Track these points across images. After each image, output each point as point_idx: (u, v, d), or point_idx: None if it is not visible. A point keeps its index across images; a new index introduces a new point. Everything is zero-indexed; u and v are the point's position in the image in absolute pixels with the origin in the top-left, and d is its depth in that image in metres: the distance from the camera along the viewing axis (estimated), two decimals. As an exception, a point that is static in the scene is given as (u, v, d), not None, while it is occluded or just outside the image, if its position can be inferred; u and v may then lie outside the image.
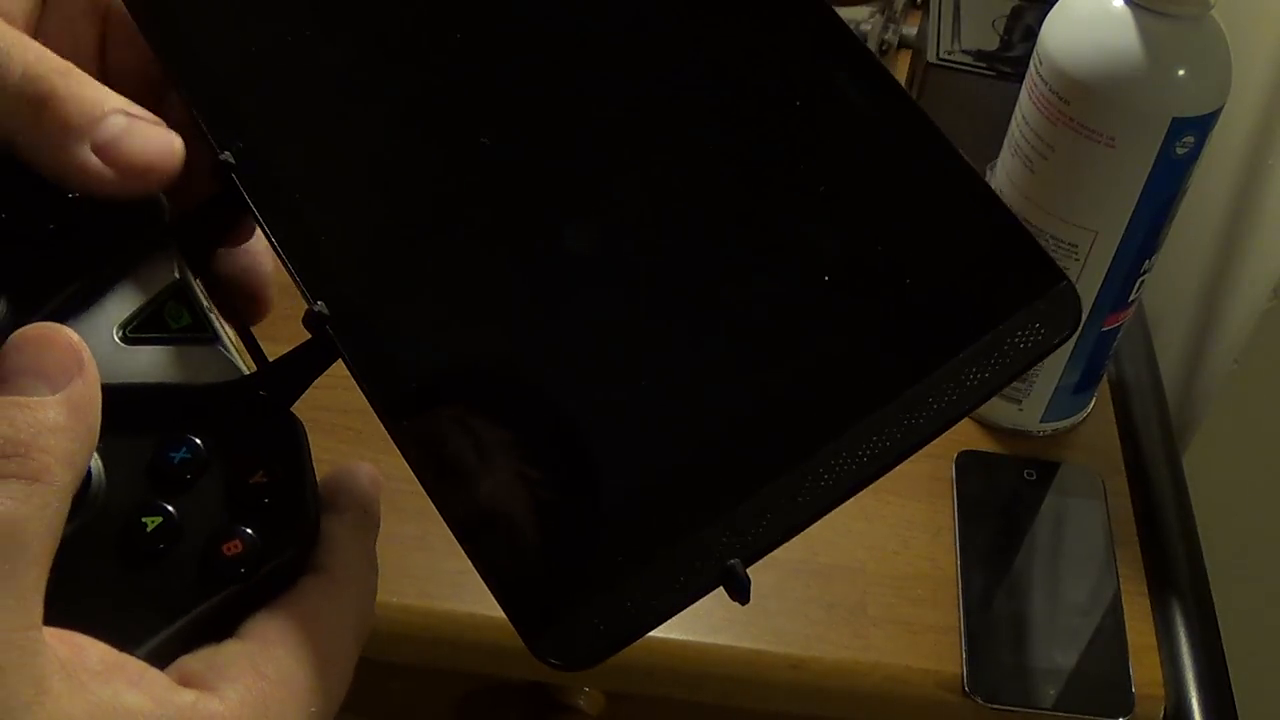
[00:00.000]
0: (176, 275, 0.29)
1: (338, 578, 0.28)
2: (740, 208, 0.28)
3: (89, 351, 0.25)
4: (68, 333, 0.25)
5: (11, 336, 0.25)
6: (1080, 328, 0.25)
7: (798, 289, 0.27)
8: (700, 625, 0.55)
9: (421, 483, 0.27)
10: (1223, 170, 0.67)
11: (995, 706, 0.54)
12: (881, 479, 0.26)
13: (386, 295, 0.29)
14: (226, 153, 0.30)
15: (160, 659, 0.26)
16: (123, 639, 0.25)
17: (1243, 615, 0.63)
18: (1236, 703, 0.55)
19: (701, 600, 0.26)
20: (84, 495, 0.26)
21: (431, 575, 0.56)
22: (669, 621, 0.26)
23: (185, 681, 0.25)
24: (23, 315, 0.28)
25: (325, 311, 0.28)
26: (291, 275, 0.29)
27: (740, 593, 0.25)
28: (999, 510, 0.62)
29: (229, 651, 0.26)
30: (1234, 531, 0.67)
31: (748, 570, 0.25)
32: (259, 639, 0.26)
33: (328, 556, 0.28)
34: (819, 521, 0.26)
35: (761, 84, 0.29)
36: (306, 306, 0.29)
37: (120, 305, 0.29)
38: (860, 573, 0.58)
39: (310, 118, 0.31)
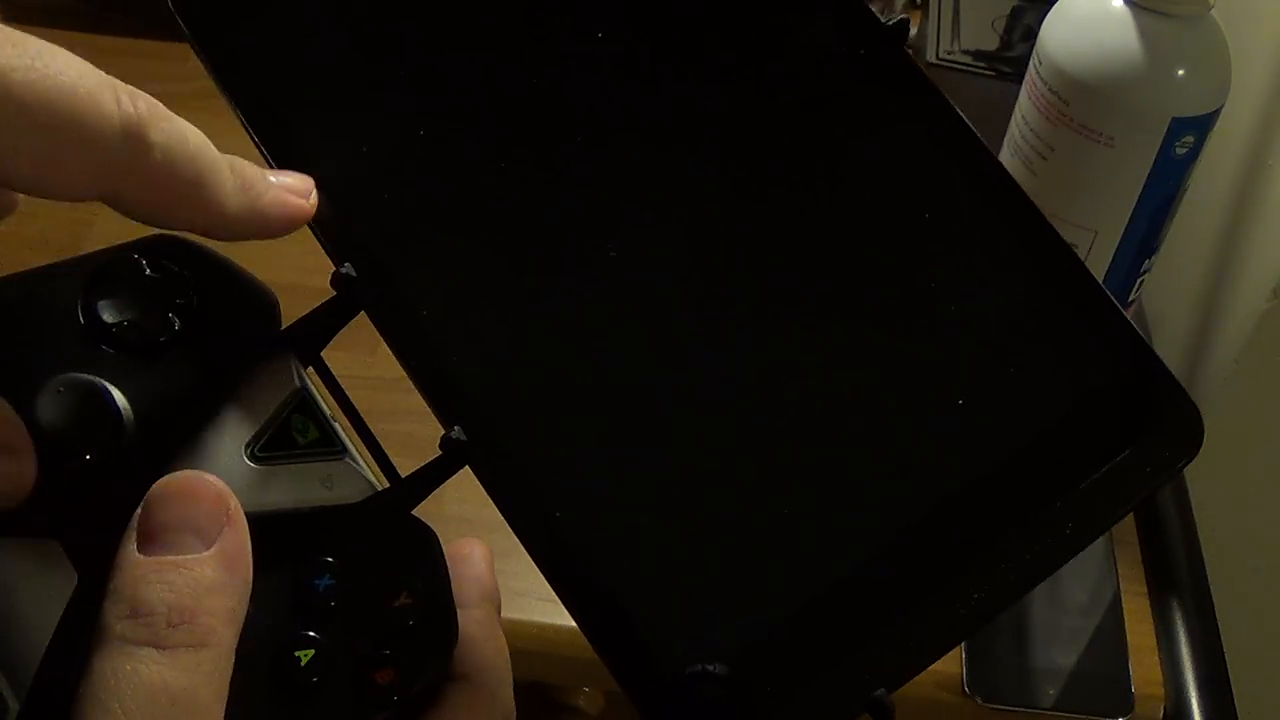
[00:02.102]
0: (297, 383, 0.29)
1: (477, 681, 0.29)
2: (876, 329, 0.28)
3: (235, 499, 0.25)
4: (211, 480, 0.25)
5: (153, 489, 0.25)
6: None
7: (932, 414, 0.27)
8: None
9: (562, 601, 0.27)
10: (1223, 170, 0.67)
11: (995, 706, 0.54)
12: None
13: (521, 418, 0.29)
14: (347, 265, 0.29)
15: None
16: None
17: (1243, 615, 0.63)
18: (1236, 703, 0.55)
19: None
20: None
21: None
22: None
23: None
24: (151, 436, 0.27)
25: (464, 438, 0.28)
26: (425, 397, 0.29)
27: (886, 718, 0.25)
28: (999, 510, 0.61)
29: None
30: (1234, 531, 0.67)
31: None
32: None
33: (465, 658, 0.29)
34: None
35: (883, 194, 0.29)
36: (444, 432, 0.28)
37: (246, 421, 0.28)
38: (860, 573, 0.58)
39: (431, 230, 0.31)
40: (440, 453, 0.29)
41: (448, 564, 0.29)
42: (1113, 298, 0.27)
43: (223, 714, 0.24)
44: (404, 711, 0.27)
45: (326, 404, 0.30)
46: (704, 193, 0.30)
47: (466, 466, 0.29)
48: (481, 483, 0.28)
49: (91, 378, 0.27)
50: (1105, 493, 0.26)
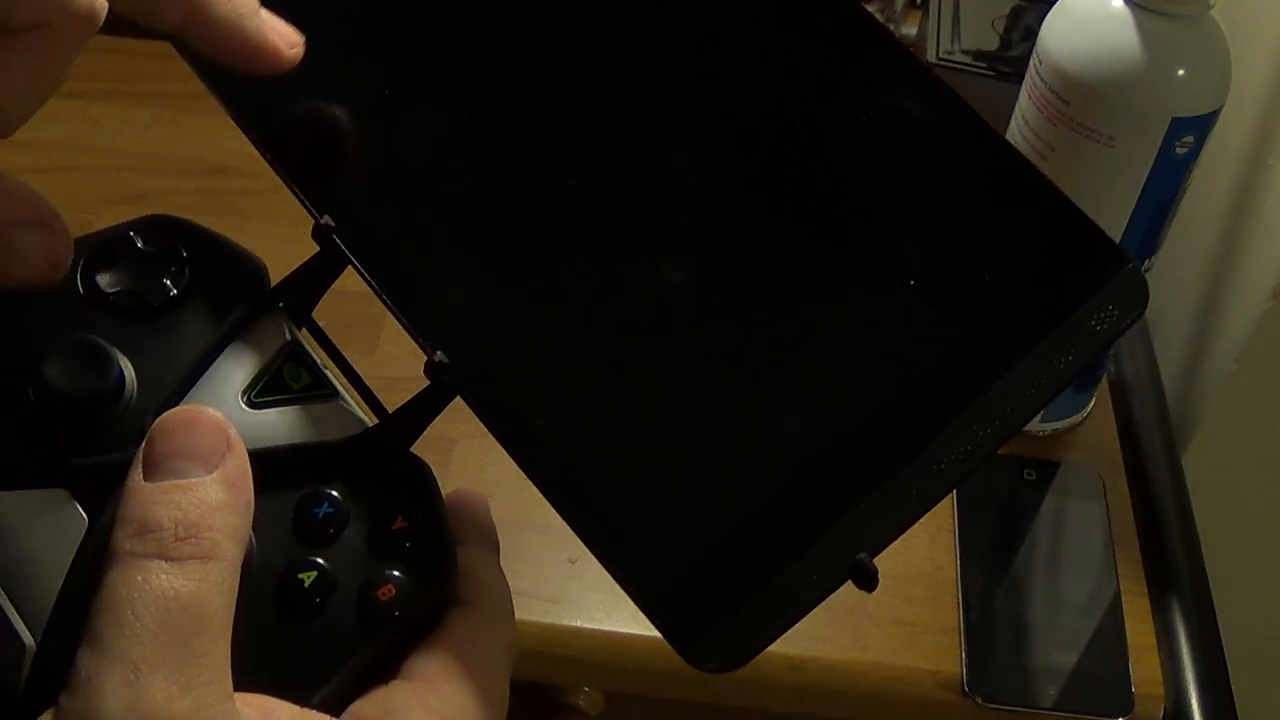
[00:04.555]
0: (288, 336, 0.31)
1: (480, 607, 0.29)
2: (829, 224, 0.30)
3: (234, 428, 0.26)
4: (211, 412, 0.26)
5: (156, 423, 0.26)
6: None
7: (892, 298, 0.29)
8: (700, 625, 0.55)
9: (559, 512, 0.29)
10: (1223, 170, 0.67)
11: (995, 706, 0.54)
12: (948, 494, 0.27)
13: (500, 340, 0.31)
14: (326, 216, 0.31)
15: (333, 707, 0.27)
16: (297, 691, 0.26)
17: (1243, 615, 0.63)
18: (1236, 703, 0.55)
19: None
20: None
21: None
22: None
23: None
24: (149, 390, 0.29)
25: (445, 361, 0.30)
26: (406, 329, 0.30)
27: (869, 583, 0.26)
28: (999, 510, 0.62)
29: (400, 693, 0.27)
30: (1234, 531, 0.67)
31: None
32: (425, 678, 0.27)
33: (467, 588, 0.29)
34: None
35: (819, 103, 0.30)
36: (426, 358, 0.30)
37: (241, 371, 0.30)
38: (860, 573, 0.58)
39: (402, 175, 0.32)
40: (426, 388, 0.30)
41: (453, 507, 0.30)
42: (1040, 171, 0.28)
43: (230, 625, 0.25)
44: (408, 633, 0.28)
45: (318, 355, 0.31)
46: (650, 106, 0.31)
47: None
48: (467, 403, 0.30)
49: (94, 338, 0.29)
50: (1061, 353, 0.27)
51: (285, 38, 0.30)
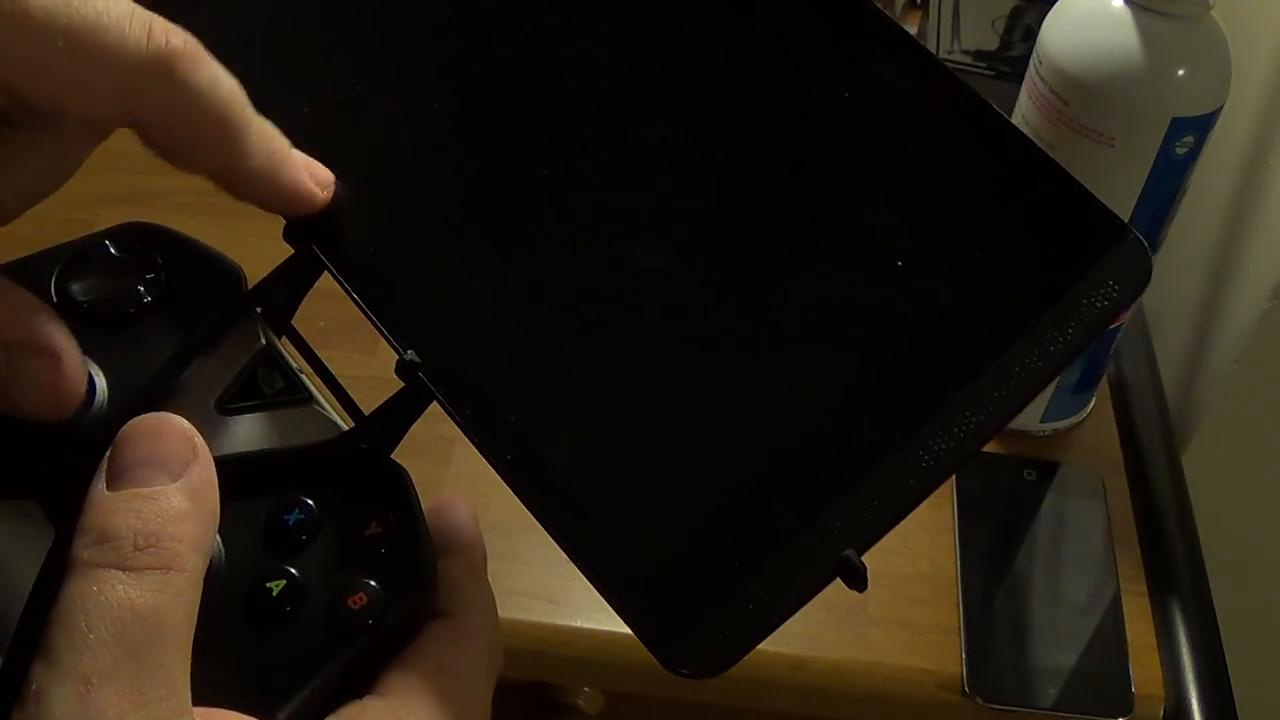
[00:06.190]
0: (263, 341, 0.30)
1: (462, 620, 0.28)
2: (811, 204, 0.29)
3: (200, 437, 0.26)
4: (177, 420, 0.26)
5: (122, 430, 0.25)
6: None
7: (876, 279, 0.28)
8: (700, 625, 0.55)
9: (532, 511, 0.28)
10: (1223, 170, 0.67)
11: (995, 706, 0.54)
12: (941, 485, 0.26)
13: (472, 337, 0.30)
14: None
15: None
16: (264, 706, 0.25)
17: (1243, 615, 0.63)
18: (1236, 703, 0.55)
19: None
20: (209, 570, 0.26)
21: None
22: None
23: None
24: (122, 398, 0.29)
25: (417, 359, 0.29)
26: (378, 328, 0.30)
27: (858, 581, 0.25)
28: (999, 510, 0.62)
29: (373, 709, 0.26)
30: (1234, 531, 0.67)
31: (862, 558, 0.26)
32: (400, 692, 0.26)
33: (448, 600, 0.29)
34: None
35: (800, 79, 0.29)
36: (397, 357, 0.29)
37: (214, 378, 0.30)
38: (860, 573, 0.58)
39: (374, 171, 0.32)
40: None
41: (433, 515, 0.30)
42: (1038, 144, 0.27)
43: (191, 637, 0.24)
44: (383, 643, 0.27)
45: (295, 360, 0.31)
46: (623, 90, 0.31)
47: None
48: (440, 403, 0.29)
49: None
50: (1060, 330, 0.25)
51: (318, 179, 0.30)
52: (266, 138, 0.29)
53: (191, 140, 0.28)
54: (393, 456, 0.29)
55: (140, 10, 0.26)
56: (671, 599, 0.26)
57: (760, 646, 0.26)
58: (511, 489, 0.28)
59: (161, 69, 0.26)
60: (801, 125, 0.29)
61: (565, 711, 0.64)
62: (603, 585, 0.27)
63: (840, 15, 0.29)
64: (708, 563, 0.26)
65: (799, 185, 0.29)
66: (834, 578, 0.25)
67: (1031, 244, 0.27)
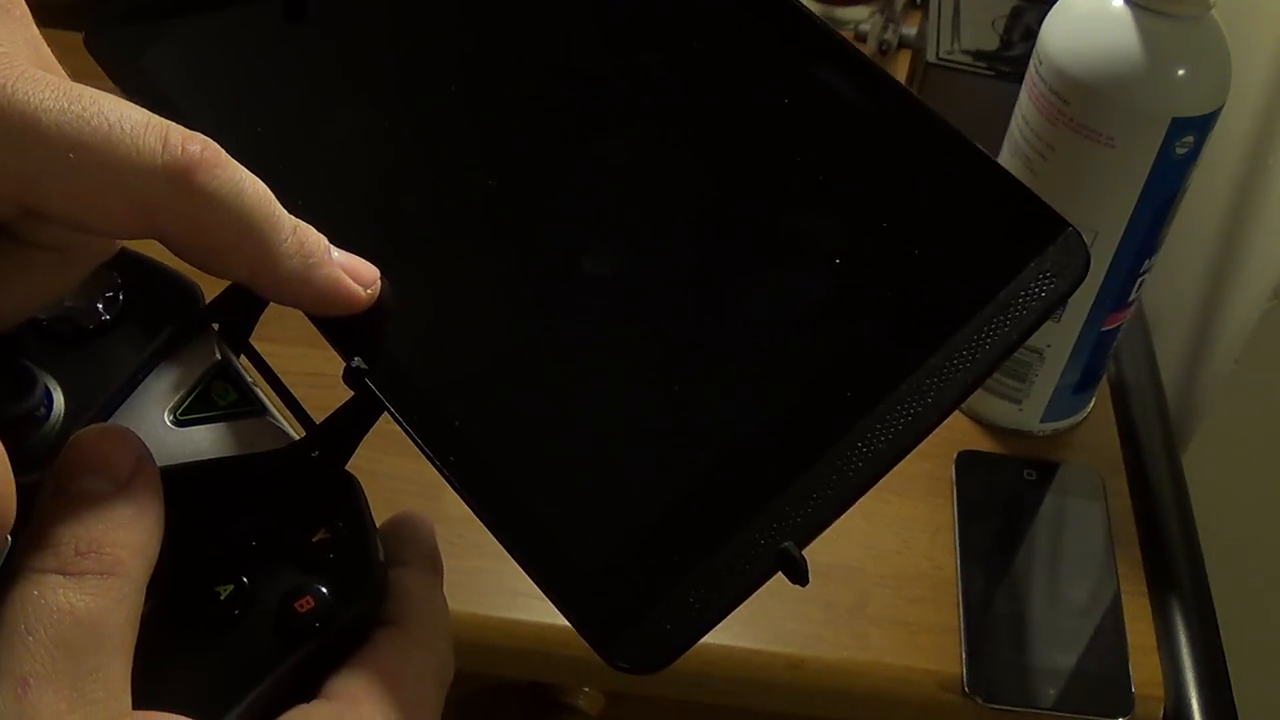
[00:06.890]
0: (218, 356, 0.31)
1: (411, 629, 0.29)
2: (747, 206, 0.29)
3: (144, 442, 0.26)
4: (122, 429, 0.26)
5: (69, 440, 0.26)
6: (1088, 273, 0.26)
7: (813, 276, 0.28)
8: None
9: (476, 513, 0.28)
10: (1223, 170, 0.67)
11: (995, 706, 0.54)
12: (882, 479, 0.26)
13: (419, 342, 0.30)
14: None
15: None
16: (210, 710, 0.26)
17: (1243, 615, 0.63)
18: (1236, 703, 0.55)
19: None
20: (157, 576, 0.27)
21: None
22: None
23: None
24: (79, 411, 0.29)
25: (364, 366, 0.29)
26: (326, 336, 0.30)
27: (799, 575, 0.25)
28: (999, 510, 0.62)
29: (319, 713, 0.26)
30: (1234, 531, 0.67)
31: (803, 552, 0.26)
32: (346, 698, 0.27)
33: (398, 609, 0.29)
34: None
35: (736, 84, 0.30)
36: (345, 364, 0.30)
37: (168, 391, 0.30)
38: (860, 572, 0.58)
39: (324, 180, 0.32)
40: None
41: (389, 526, 0.30)
42: (966, 137, 0.27)
43: (133, 641, 0.24)
44: (331, 648, 0.28)
45: (249, 375, 0.31)
46: (565, 97, 0.31)
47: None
48: (388, 408, 0.29)
49: (21, 360, 0.29)
50: (998, 324, 0.26)
51: (360, 278, 0.29)
52: (300, 240, 0.28)
53: (216, 250, 0.27)
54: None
55: (156, 119, 0.25)
56: (612, 595, 0.27)
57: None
58: (455, 490, 0.28)
59: (178, 179, 0.25)
60: (741, 131, 0.30)
61: (565, 711, 0.64)
62: (545, 582, 0.27)
63: (777, 24, 0.29)
64: (647, 559, 0.27)
65: (737, 188, 0.29)
66: (775, 572, 0.26)
67: (968, 239, 0.27)
